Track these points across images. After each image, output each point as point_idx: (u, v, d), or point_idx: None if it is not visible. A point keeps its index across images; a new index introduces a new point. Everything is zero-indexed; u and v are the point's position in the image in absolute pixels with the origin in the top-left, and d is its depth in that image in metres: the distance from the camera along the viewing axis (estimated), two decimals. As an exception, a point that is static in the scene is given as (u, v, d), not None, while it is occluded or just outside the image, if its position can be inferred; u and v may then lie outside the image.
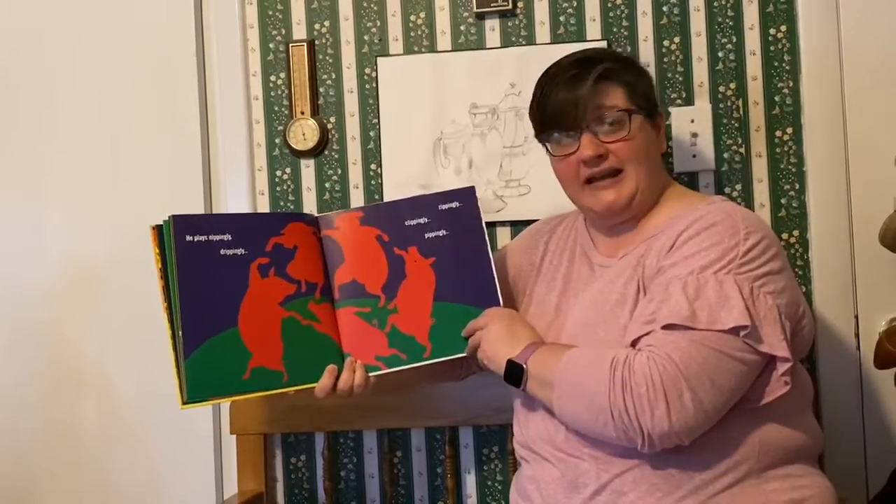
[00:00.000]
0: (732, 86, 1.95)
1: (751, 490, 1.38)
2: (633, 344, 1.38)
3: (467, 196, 1.61)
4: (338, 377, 1.53)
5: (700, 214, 1.44)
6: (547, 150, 1.56)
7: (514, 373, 1.45)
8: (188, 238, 1.51)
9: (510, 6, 1.98)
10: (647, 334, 1.36)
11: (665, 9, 1.97)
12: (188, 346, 1.47)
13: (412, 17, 2.04)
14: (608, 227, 1.57)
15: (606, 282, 1.50)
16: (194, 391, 1.46)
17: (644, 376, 1.31)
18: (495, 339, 1.49)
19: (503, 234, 1.99)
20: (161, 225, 1.52)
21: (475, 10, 2.00)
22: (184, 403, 1.46)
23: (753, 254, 1.38)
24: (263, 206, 2.07)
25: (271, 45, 2.07)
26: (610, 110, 1.48)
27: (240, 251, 1.55)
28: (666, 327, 1.34)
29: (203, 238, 1.53)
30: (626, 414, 1.32)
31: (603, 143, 1.48)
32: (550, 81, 1.52)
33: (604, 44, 1.94)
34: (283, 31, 2.07)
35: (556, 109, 1.50)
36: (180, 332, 1.47)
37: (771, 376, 1.37)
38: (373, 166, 2.04)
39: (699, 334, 1.33)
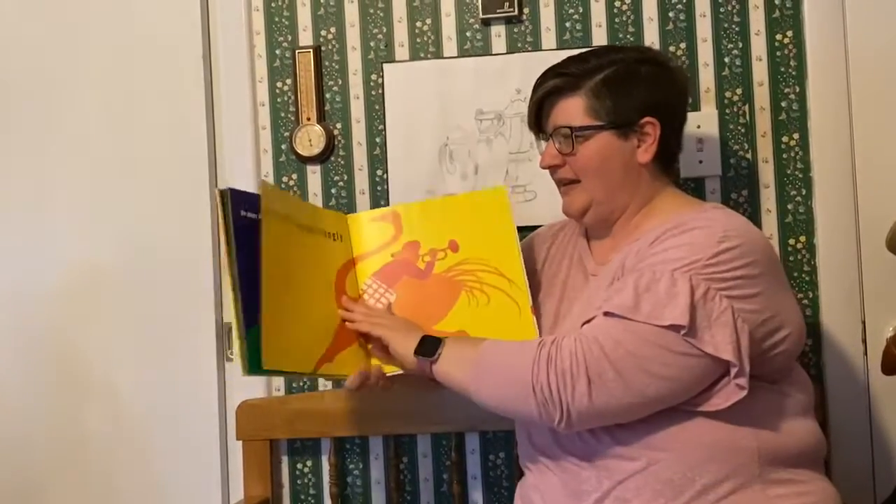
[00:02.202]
0: (739, 91, 1.95)
1: (754, 495, 1.38)
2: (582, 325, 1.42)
3: None
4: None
5: (684, 220, 1.45)
6: None
7: (430, 343, 1.48)
8: (242, 213, 1.52)
9: (516, 12, 1.98)
10: (591, 320, 1.40)
11: (671, 14, 1.97)
12: (247, 321, 1.47)
13: (418, 24, 2.04)
14: (599, 233, 1.59)
15: (594, 289, 1.52)
16: (254, 364, 1.46)
17: (570, 353, 1.35)
18: (402, 327, 1.54)
19: (509, 240, 1.99)
20: (229, 189, 1.51)
21: (481, 16, 2.00)
22: (247, 372, 1.46)
23: (724, 258, 1.37)
24: (270, 212, 2.07)
25: (277, 52, 2.08)
26: (559, 128, 1.53)
27: None
28: (606, 314, 1.37)
29: (254, 216, 1.52)
30: (548, 387, 1.34)
31: (560, 154, 1.54)
32: (532, 89, 1.59)
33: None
34: (290, 38, 2.07)
35: (528, 116, 1.60)
36: (241, 306, 1.47)
37: (724, 380, 1.37)
38: (379, 172, 2.04)
39: (636, 325, 1.35)
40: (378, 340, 1.55)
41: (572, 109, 1.52)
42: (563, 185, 1.57)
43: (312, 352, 1.53)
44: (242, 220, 1.51)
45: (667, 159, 1.56)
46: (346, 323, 1.58)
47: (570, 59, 1.57)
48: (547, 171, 1.60)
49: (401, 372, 1.57)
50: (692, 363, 1.35)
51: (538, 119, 1.58)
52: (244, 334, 1.45)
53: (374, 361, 1.59)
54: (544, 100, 1.56)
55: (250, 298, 1.47)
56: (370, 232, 1.68)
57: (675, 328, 1.33)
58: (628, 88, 1.51)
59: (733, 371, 1.35)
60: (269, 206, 1.52)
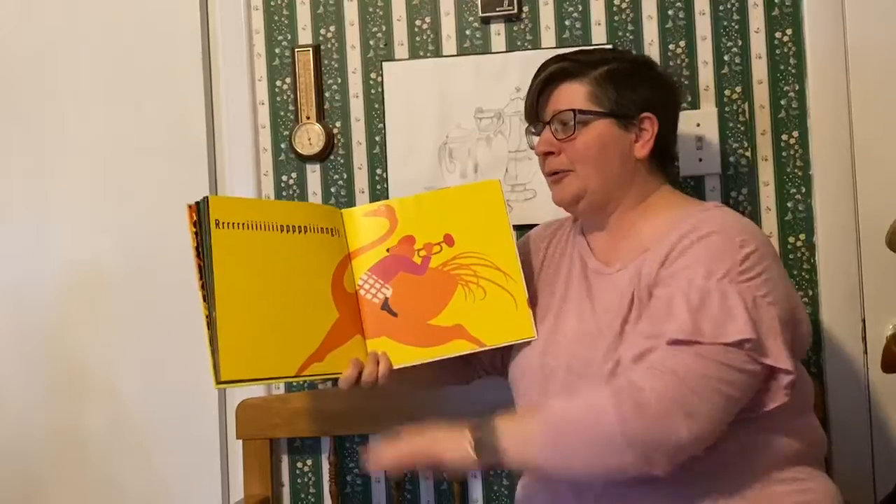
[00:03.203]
0: (738, 89, 1.95)
1: (755, 494, 1.38)
2: (637, 359, 1.36)
3: None
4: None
5: (694, 223, 1.44)
6: None
7: (484, 433, 1.35)
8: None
9: (515, 10, 1.98)
10: (650, 350, 1.35)
11: (670, 13, 1.97)
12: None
13: (417, 22, 2.04)
14: (595, 226, 1.59)
15: (604, 293, 1.50)
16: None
17: (652, 391, 1.29)
18: (440, 436, 1.39)
19: (509, 239, 1.99)
20: (199, 203, 1.52)
21: (480, 14, 2.00)
22: (217, 383, 1.47)
23: (750, 262, 1.37)
24: (269, 211, 2.07)
25: (277, 51, 2.08)
26: (561, 111, 1.53)
27: None
28: (671, 343, 1.33)
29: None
30: (647, 436, 1.28)
31: (557, 140, 1.53)
32: (534, 75, 1.59)
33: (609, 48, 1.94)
34: (289, 37, 2.07)
35: (526, 103, 1.60)
36: (214, 313, 1.48)
37: (771, 386, 1.36)
38: (378, 171, 2.04)
39: (704, 348, 1.32)
40: (419, 462, 1.42)
41: (575, 94, 1.53)
42: (556, 174, 1.56)
43: (294, 354, 1.51)
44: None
45: (662, 158, 1.57)
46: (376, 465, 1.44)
47: (574, 50, 1.61)
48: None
49: (410, 364, 1.57)
50: (752, 380, 1.34)
51: (537, 106, 1.58)
52: (217, 350, 1.47)
53: (381, 351, 1.57)
54: (546, 85, 1.56)
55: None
56: (365, 227, 1.67)
57: (739, 343, 1.32)
58: (630, 83, 1.54)
59: (785, 379, 1.35)
60: (220, 218, 1.52)
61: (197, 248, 1.50)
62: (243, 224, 1.55)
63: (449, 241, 1.64)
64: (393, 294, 1.62)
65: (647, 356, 1.35)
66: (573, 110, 1.52)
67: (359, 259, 1.65)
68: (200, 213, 1.51)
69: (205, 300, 1.49)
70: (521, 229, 1.96)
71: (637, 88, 1.53)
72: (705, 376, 1.31)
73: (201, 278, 1.50)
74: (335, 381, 1.56)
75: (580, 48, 1.61)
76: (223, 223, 1.52)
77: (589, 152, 1.52)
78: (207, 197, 1.52)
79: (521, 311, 1.58)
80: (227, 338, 1.47)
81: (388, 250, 1.65)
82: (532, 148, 1.61)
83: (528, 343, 1.57)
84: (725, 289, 1.34)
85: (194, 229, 1.51)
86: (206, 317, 1.49)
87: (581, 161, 1.52)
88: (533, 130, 1.61)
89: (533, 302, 1.61)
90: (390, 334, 1.59)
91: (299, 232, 1.60)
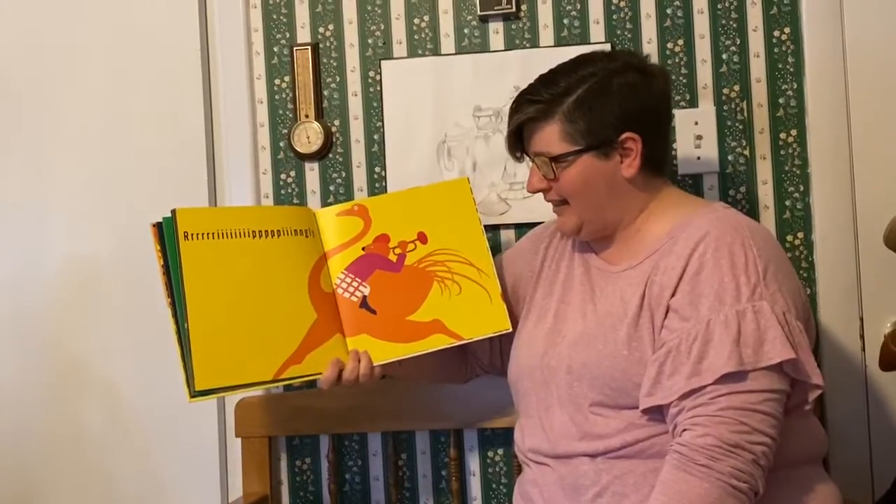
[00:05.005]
0: (736, 88, 1.95)
1: (755, 494, 1.38)
2: (684, 397, 1.35)
3: None
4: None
5: (705, 229, 1.43)
6: None
7: None
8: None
9: (514, 9, 1.98)
10: (698, 390, 1.34)
11: (669, 11, 1.97)
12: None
13: (416, 20, 2.04)
14: (601, 241, 1.58)
15: (608, 293, 1.50)
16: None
17: (719, 438, 1.31)
18: None
19: (507, 237, 1.99)
20: (161, 223, 1.56)
21: (479, 12, 2.00)
22: (192, 396, 1.49)
23: (770, 272, 1.38)
24: (268, 209, 2.07)
25: (276, 49, 2.08)
26: (539, 153, 1.52)
27: None
28: (718, 381, 1.33)
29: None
30: (755, 483, 1.32)
31: (546, 180, 1.53)
32: (510, 110, 1.56)
33: (607, 46, 1.94)
34: (288, 35, 2.07)
35: (507, 141, 1.58)
36: (186, 325, 1.50)
37: (799, 398, 1.40)
38: (377, 169, 2.04)
39: (748, 377, 1.33)
40: None
41: (549, 137, 1.50)
42: (555, 205, 1.57)
43: (272, 358, 1.53)
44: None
45: (654, 166, 1.53)
46: None
47: (540, 81, 1.54)
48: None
49: (391, 360, 1.59)
50: (784, 397, 1.37)
51: (520, 142, 1.56)
52: (190, 360, 1.48)
53: (361, 348, 1.59)
54: (521, 127, 1.54)
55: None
56: (339, 226, 1.69)
57: (780, 365, 1.34)
58: (602, 106, 1.48)
59: (816, 393, 1.40)
60: (189, 230, 1.55)
61: (164, 266, 1.54)
62: (213, 234, 1.57)
63: (423, 238, 1.67)
64: (371, 292, 1.64)
65: (694, 395, 1.34)
66: (549, 158, 1.50)
67: (334, 259, 1.67)
68: (165, 230, 1.55)
69: (174, 316, 1.51)
70: (521, 227, 1.96)
71: (609, 108, 1.48)
72: (755, 406, 1.33)
73: (170, 295, 1.53)
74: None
75: (547, 72, 1.54)
76: (192, 235, 1.55)
77: (575, 189, 1.51)
78: (175, 210, 1.55)
79: (495, 304, 1.62)
80: (200, 348, 1.49)
81: (363, 249, 1.67)
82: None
83: (506, 334, 1.62)
84: (759, 306, 1.36)
85: (159, 247, 1.55)
86: (177, 332, 1.51)
87: (570, 196, 1.52)
88: (518, 156, 1.59)
89: (533, 302, 1.62)
90: (370, 332, 1.61)
91: (272, 236, 1.62)
